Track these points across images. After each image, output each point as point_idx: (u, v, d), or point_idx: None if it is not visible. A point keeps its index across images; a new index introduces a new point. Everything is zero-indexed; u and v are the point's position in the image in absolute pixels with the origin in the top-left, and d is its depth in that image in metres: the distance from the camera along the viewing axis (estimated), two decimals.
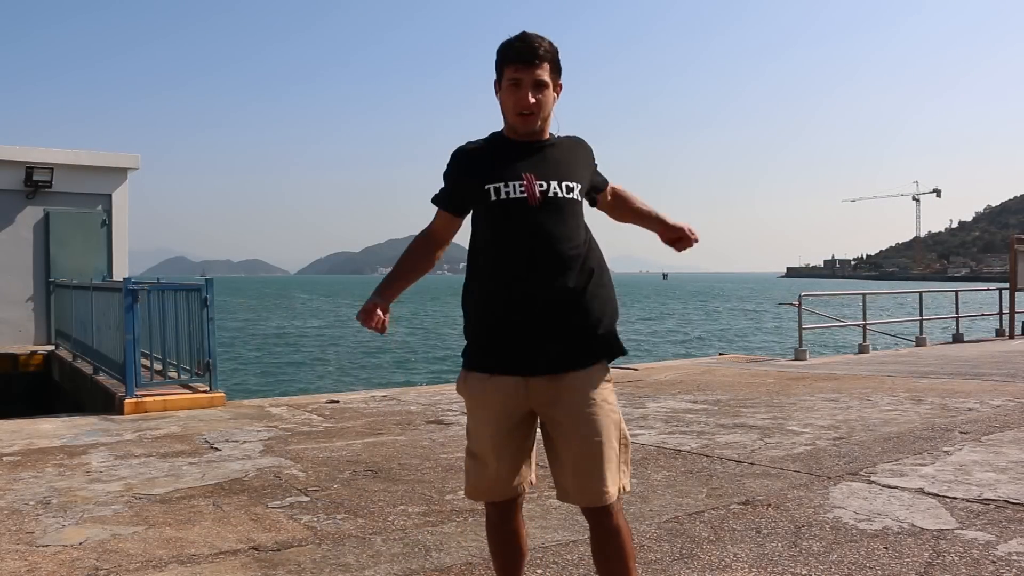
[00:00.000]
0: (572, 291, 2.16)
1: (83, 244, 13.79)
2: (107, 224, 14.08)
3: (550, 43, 2.20)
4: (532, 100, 2.17)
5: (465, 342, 2.35)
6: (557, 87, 2.24)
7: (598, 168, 2.46)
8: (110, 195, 14.17)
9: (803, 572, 3.12)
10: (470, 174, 2.23)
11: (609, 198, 2.51)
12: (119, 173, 14.29)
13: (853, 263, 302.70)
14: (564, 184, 2.22)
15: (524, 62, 2.16)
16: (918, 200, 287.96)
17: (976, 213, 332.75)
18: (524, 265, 2.15)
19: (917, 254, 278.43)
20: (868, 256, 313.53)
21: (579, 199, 2.27)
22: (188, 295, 8.19)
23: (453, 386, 9.59)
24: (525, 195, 2.17)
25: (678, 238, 2.44)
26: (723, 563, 3.24)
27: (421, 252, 2.42)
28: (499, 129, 2.31)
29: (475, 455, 2.39)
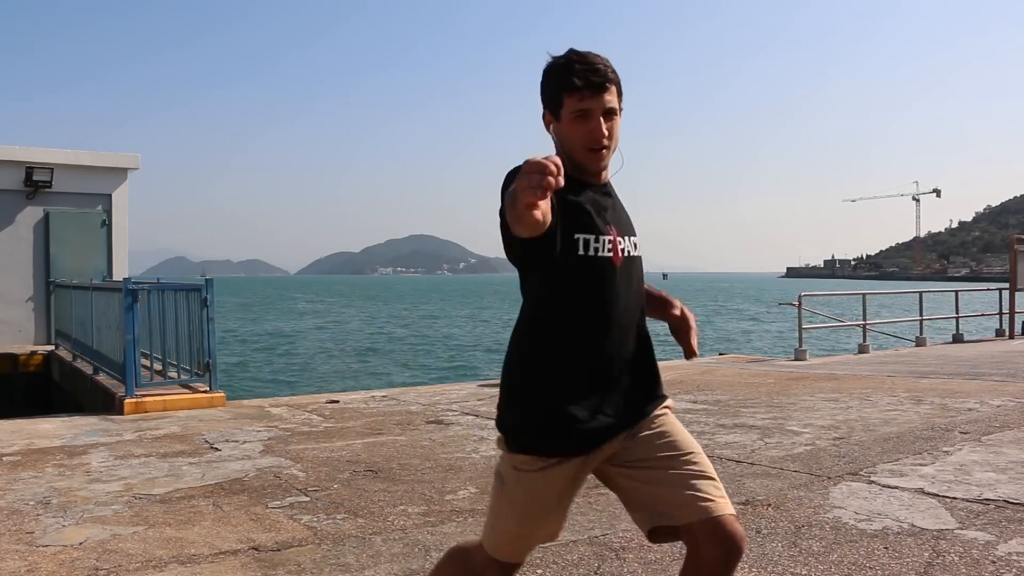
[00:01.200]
0: (642, 355, 1.98)
1: (83, 244, 13.80)
2: (107, 224, 14.08)
3: (608, 61, 1.88)
4: (605, 133, 1.84)
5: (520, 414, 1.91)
6: (621, 110, 1.91)
7: None
8: (110, 195, 14.18)
9: (803, 572, 3.12)
10: (554, 212, 1.72)
11: None
12: (119, 173, 14.29)
13: (853, 263, 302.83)
14: (633, 240, 1.95)
15: (592, 88, 1.82)
16: (918, 200, 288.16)
17: (976, 213, 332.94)
18: (604, 334, 1.88)
19: (917, 254, 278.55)
20: (868, 256, 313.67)
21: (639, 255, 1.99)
22: (188, 295, 8.19)
23: (453, 386, 9.63)
24: (611, 255, 1.87)
25: (687, 328, 2.11)
26: None
27: None
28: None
29: (526, 534, 1.98)
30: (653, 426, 1.96)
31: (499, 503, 1.97)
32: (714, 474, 1.94)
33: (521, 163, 1.56)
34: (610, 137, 1.86)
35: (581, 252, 1.83)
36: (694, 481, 1.90)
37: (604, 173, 1.92)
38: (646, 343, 2.00)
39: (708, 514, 1.84)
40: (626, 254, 1.90)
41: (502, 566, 2.00)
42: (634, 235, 1.97)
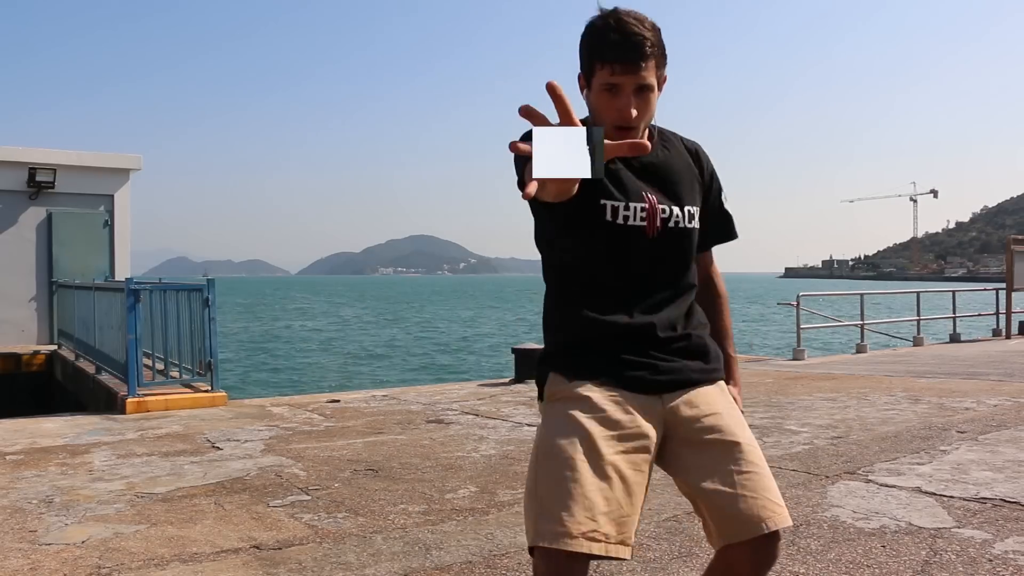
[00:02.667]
0: (696, 338, 1.82)
1: (85, 244, 13.82)
2: (109, 224, 14.11)
3: (654, 28, 1.68)
4: (634, 112, 1.67)
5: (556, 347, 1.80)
6: (662, 82, 1.72)
7: (724, 200, 1.93)
8: (112, 196, 14.21)
9: (801, 570, 3.15)
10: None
11: (699, 275, 1.91)
12: (121, 174, 14.32)
13: (851, 263, 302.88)
14: (687, 210, 1.79)
15: (625, 63, 1.64)
16: (915, 201, 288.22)
17: (973, 214, 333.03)
18: (628, 312, 1.74)
19: (914, 254, 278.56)
20: (866, 256, 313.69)
21: (698, 227, 1.83)
22: (190, 295, 8.22)
23: (453, 385, 9.65)
24: (645, 223, 1.73)
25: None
26: None
27: None
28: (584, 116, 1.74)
29: (578, 489, 1.57)
30: (696, 425, 1.73)
31: (542, 460, 1.63)
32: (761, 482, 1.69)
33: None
34: (641, 115, 1.69)
35: (609, 218, 1.70)
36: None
37: (643, 137, 1.74)
38: (695, 326, 1.81)
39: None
40: (668, 225, 1.75)
41: (546, 556, 1.53)
42: (690, 204, 1.79)
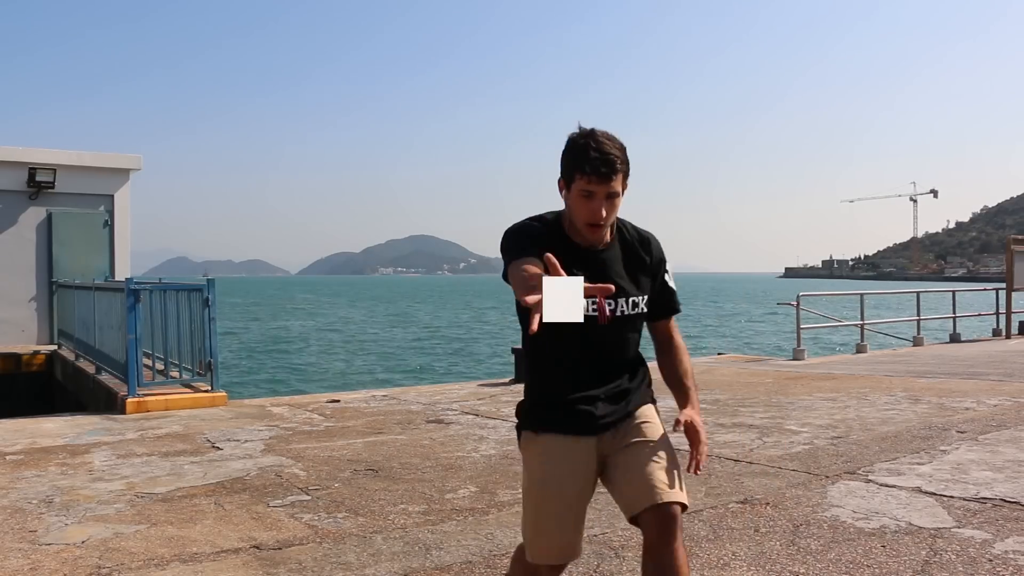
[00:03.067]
0: (627, 389, 2.25)
1: (85, 244, 13.82)
2: (109, 224, 14.10)
3: (622, 148, 2.09)
4: (604, 213, 2.08)
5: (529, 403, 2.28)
6: (625, 189, 2.13)
7: (667, 278, 2.32)
8: (112, 196, 14.20)
9: (801, 570, 3.15)
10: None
11: (658, 336, 2.36)
12: (121, 174, 14.31)
13: (851, 263, 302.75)
14: (631, 300, 2.20)
15: (600, 176, 2.05)
16: (915, 201, 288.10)
17: (973, 214, 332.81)
18: (580, 373, 2.20)
19: (914, 254, 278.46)
20: (866, 256, 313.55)
21: (644, 311, 2.25)
22: (190, 295, 8.22)
23: (453, 385, 9.64)
24: (596, 314, 2.13)
25: (694, 440, 2.26)
26: (722, 561, 3.27)
27: None
28: (555, 210, 2.22)
29: (546, 524, 2.21)
30: (625, 442, 2.21)
31: (524, 497, 2.27)
32: (664, 470, 2.20)
33: (521, 224, 2.13)
34: (608, 216, 2.11)
35: None
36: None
37: (603, 237, 2.17)
38: (629, 380, 2.26)
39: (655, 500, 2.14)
40: (617, 313, 2.18)
41: (536, 570, 2.27)
42: (636, 294, 2.22)
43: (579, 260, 2.12)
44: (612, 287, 1.76)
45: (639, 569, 3.19)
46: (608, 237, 2.19)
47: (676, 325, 2.37)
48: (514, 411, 2.32)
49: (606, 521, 3.83)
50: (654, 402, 2.33)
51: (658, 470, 2.16)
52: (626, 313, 2.20)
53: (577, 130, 2.12)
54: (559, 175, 2.16)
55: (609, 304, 2.17)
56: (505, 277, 2.06)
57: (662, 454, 2.20)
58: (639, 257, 2.25)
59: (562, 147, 2.16)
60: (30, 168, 13.26)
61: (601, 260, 2.17)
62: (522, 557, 2.33)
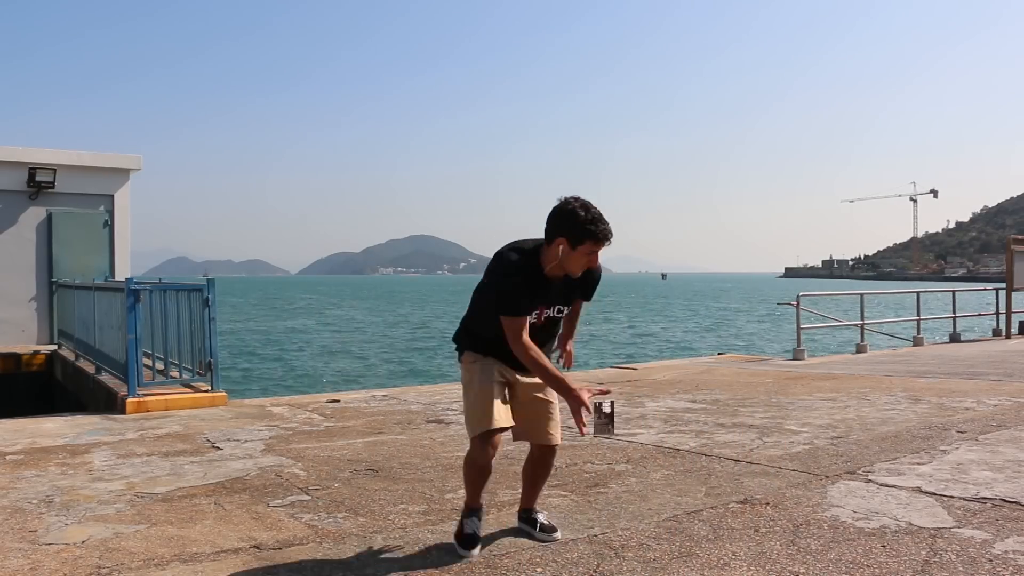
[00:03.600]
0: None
1: (85, 244, 13.82)
2: (109, 224, 14.10)
3: None
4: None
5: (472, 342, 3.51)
6: None
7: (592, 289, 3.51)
8: (112, 195, 14.19)
9: (801, 570, 3.15)
10: (530, 296, 3.25)
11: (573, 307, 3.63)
12: (121, 174, 14.31)
13: (851, 263, 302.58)
14: (557, 308, 3.40)
15: (603, 242, 3.17)
16: (915, 201, 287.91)
17: (973, 214, 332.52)
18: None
19: (914, 254, 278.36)
20: (866, 256, 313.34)
21: (565, 313, 3.49)
22: (190, 295, 8.22)
23: (453, 385, 9.60)
24: (536, 320, 3.33)
25: (566, 353, 3.72)
26: (722, 561, 3.27)
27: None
28: (534, 240, 3.28)
29: (486, 403, 3.36)
30: (534, 393, 3.46)
31: (465, 394, 3.52)
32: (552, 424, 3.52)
33: (514, 266, 3.22)
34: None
35: (531, 319, 3.32)
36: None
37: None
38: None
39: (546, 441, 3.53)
40: (545, 318, 3.37)
41: (481, 437, 3.34)
42: (562, 304, 3.39)
43: (543, 286, 3.27)
44: (589, 408, 3.20)
45: (639, 569, 3.20)
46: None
47: (583, 305, 3.63)
48: (456, 338, 3.57)
49: (606, 521, 3.83)
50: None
51: (550, 424, 3.51)
52: (552, 317, 3.40)
53: (571, 200, 3.16)
54: (558, 232, 3.15)
55: (548, 312, 3.35)
56: (491, 296, 3.27)
57: (554, 413, 3.51)
58: (571, 283, 3.35)
59: (557, 206, 3.18)
60: (30, 168, 13.26)
61: (557, 287, 3.31)
62: (469, 457, 3.49)
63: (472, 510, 3.51)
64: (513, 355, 3.27)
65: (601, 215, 3.13)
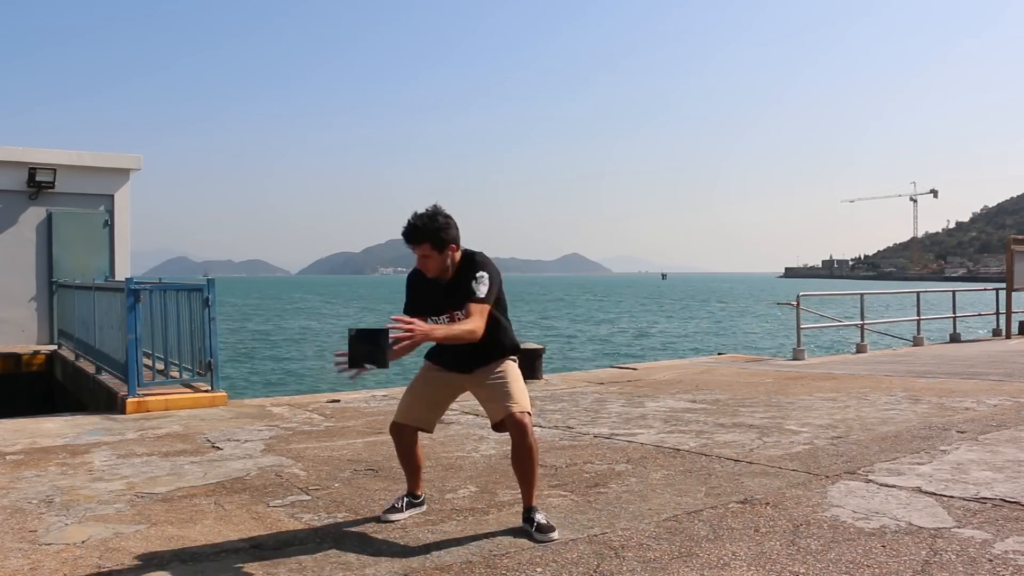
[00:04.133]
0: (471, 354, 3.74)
1: (85, 244, 13.81)
2: (109, 224, 14.10)
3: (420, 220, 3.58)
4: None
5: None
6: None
7: (473, 282, 3.65)
8: (112, 195, 14.19)
9: (801, 570, 3.15)
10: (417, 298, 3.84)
11: None
12: (121, 174, 14.31)
13: (851, 263, 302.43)
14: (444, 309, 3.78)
15: (407, 243, 3.67)
16: (915, 201, 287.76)
17: (973, 214, 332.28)
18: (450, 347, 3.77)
19: (914, 254, 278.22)
20: (866, 256, 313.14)
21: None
22: (190, 295, 8.21)
23: None
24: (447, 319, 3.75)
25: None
26: (722, 561, 3.27)
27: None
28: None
29: (410, 402, 3.86)
30: (487, 380, 3.72)
31: (410, 386, 3.95)
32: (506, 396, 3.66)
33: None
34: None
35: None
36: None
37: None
38: (479, 349, 3.69)
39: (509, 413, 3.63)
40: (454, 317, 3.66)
41: (394, 423, 3.87)
42: (457, 308, 3.64)
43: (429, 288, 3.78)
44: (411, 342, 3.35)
45: (639, 569, 3.20)
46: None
47: (470, 312, 3.58)
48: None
49: (606, 521, 3.83)
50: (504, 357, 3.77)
51: (510, 399, 3.64)
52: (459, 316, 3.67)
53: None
54: (450, 243, 3.61)
55: (454, 314, 3.68)
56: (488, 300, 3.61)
57: (512, 391, 3.66)
58: (465, 279, 3.66)
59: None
60: (30, 168, 13.25)
61: (447, 292, 3.71)
62: (391, 429, 3.91)
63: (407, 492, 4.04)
64: (452, 354, 3.74)
65: (412, 217, 3.57)
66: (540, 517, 3.65)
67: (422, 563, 3.32)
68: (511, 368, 3.73)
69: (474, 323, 3.51)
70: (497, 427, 3.70)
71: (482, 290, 3.58)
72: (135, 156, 14.44)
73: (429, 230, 3.52)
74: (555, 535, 3.57)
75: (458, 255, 3.66)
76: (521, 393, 3.65)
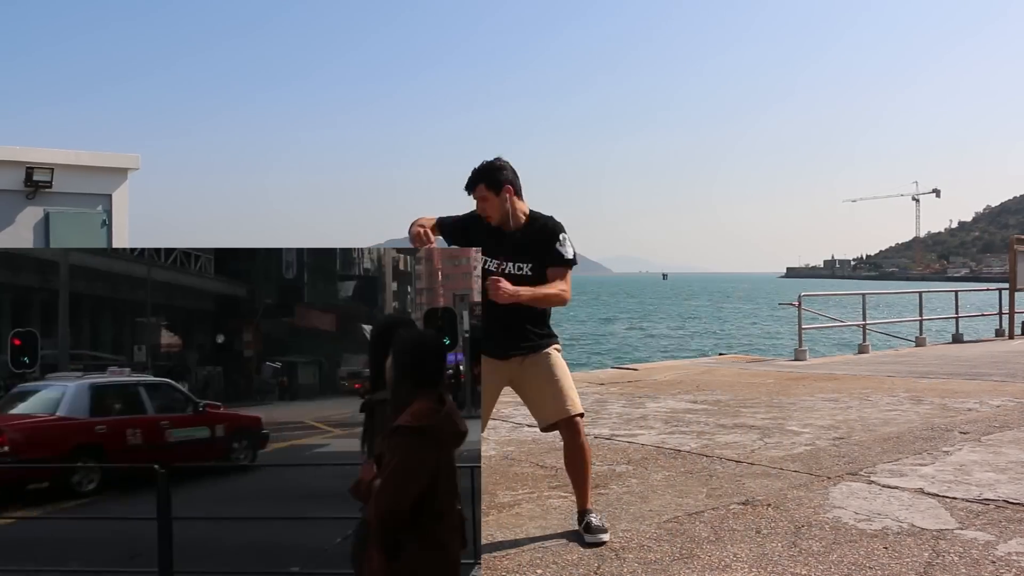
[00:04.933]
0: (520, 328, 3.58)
1: (83, 244, 13.79)
2: (107, 224, 14.07)
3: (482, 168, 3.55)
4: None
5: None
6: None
7: (557, 242, 3.58)
8: (110, 195, 14.16)
9: (803, 572, 3.12)
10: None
11: None
12: (119, 173, 14.27)
13: (853, 263, 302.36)
14: (517, 264, 3.59)
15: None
16: (918, 200, 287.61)
17: (976, 213, 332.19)
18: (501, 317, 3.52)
19: (917, 254, 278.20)
20: (868, 256, 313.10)
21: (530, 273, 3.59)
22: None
23: None
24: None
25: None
26: (723, 563, 3.24)
27: None
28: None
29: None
30: (537, 376, 3.57)
31: None
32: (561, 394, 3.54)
33: None
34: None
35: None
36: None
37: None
38: (530, 329, 3.57)
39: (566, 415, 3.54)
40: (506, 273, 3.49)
41: None
42: (522, 262, 3.53)
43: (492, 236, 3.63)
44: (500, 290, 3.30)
45: (640, 571, 3.18)
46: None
47: (554, 276, 3.52)
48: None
49: (607, 522, 3.80)
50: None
51: (564, 400, 3.53)
52: (513, 273, 3.52)
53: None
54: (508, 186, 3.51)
55: (509, 266, 3.57)
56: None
57: (564, 389, 3.54)
58: (534, 239, 3.60)
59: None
60: (27, 167, 13.22)
61: (507, 243, 3.61)
62: None
63: None
64: (503, 333, 3.52)
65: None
66: (594, 519, 3.57)
67: None
68: (559, 362, 3.60)
69: (563, 285, 3.47)
70: (547, 428, 3.61)
71: (569, 251, 3.52)
72: (133, 156, 14.41)
73: (483, 170, 3.50)
74: (605, 537, 3.49)
75: (522, 206, 3.56)
76: (573, 391, 3.56)
